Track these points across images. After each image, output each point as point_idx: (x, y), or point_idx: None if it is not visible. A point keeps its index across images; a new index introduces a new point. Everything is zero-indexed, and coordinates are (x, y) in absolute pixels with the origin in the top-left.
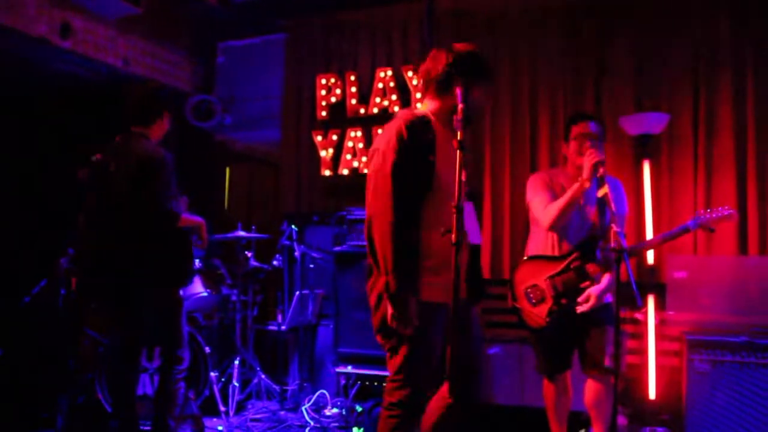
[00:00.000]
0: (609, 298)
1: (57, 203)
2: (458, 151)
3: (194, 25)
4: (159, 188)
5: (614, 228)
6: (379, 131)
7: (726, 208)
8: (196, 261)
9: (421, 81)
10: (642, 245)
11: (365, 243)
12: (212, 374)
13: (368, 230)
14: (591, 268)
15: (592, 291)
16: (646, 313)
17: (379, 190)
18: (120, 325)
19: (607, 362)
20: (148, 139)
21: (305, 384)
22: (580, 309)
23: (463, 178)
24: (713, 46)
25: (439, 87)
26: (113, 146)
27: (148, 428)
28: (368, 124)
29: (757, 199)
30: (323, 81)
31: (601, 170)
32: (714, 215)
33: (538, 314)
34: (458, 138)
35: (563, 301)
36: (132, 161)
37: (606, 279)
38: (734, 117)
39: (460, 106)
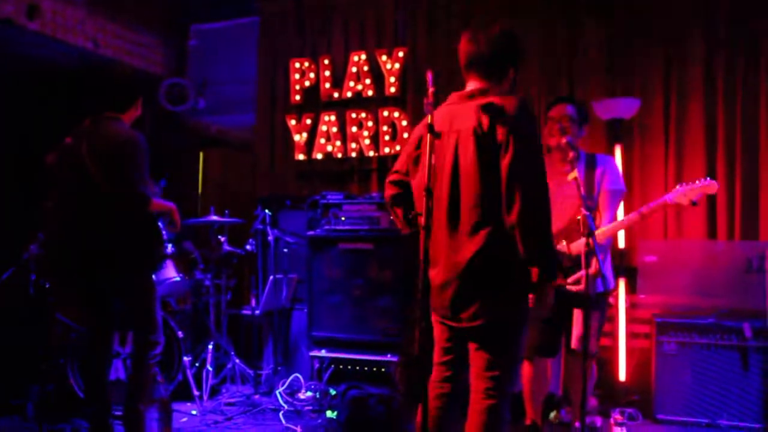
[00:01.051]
0: (600, 287)
1: (25, 188)
2: (429, 135)
3: (166, 8)
4: (130, 172)
5: (583, 212)
6: (355, 115)
7: (705, 179)
8: (168, 246)
9: (464, 64)
10: (621, 223)
11: (528, 230)
12: (186, 359)
13: (531, 216)
14: (573, 248)
15: (583, 273)
16: (616, 297)
17: (542, 175)
18: (90, 311)
19: (575, 345)
20: (121, 122)
21: (279, 368)
22: (570, 287)
23: (434, 162)
24: (684, 31)
25: (489, 69)
26: (85, 129)
27: (120, 413)
28: (342, 108)
29: (726, 185)
30: (297, 65)
31: (570, 154)
32: (694, 186)
33: None
34: (428, 122)
35: None
36: (104, 144)
37: (594, 262)
38: (704, 102)
39: (431, 89)
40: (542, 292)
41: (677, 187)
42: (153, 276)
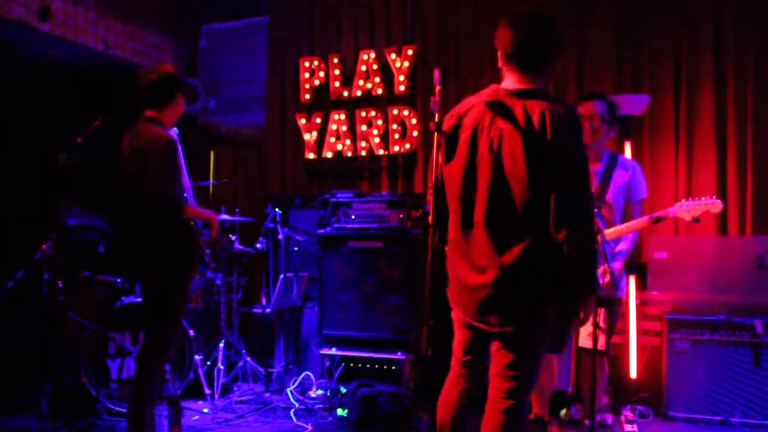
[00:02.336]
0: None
1: (37, 187)
2: (435, 133)
3: (176, 8)
4: (159, 173)
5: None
6: (365, 114)
7: (711, 197)
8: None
9: (504, 53)
10: (631, 225)
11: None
12: (197, 357)
13: (581, 232)
14: None
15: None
16: (627, 294)
17: (590, 190)
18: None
19: (584, 342)
20: (160, 123)
21: (290, 366)
22: None
23: (440, 161)
24: (694, 26)
25: (533, 62)
26: (128, 130)
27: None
28: (352, 106)
29: (737, 180)
30: (306, 64)
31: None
32: (699, 203)
33: None
34: (435, 120)
35: None
36: (140, 146)
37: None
38: (714, 98)
39: (438, 88)
40: (582, 304)
41: (683, 201)
42: (183, 283)
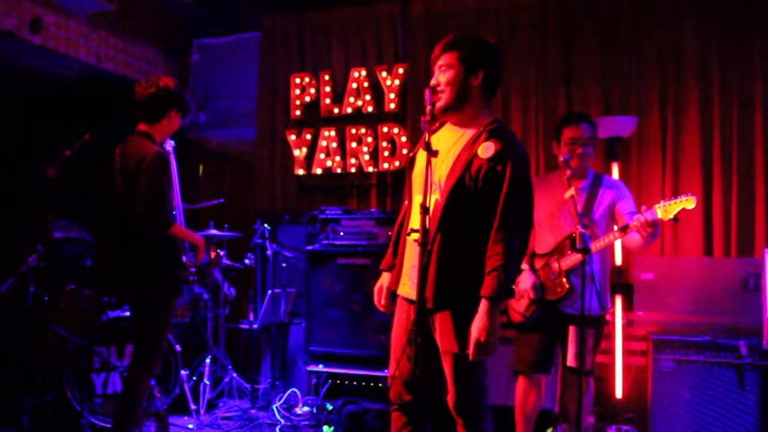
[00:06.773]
0: (597, 310)
1: (25, 199)
2: (426, 152)
3: (168, 23)
4: (146, 191)
5: (579, 229)
6: (355, 131)
7: (686, 194)
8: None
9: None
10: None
11: None
12: (183, 372)
13: None
14: (560, 263)
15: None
16: (613, 314)
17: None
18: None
19: (571, 362)
20: (151, 138)
21: (277, 382)
22: (549, 297)
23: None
24: (680, 48)
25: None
26: (120, 144)
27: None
28: (342, 123)
29: (722, 202)
30: (297, 80)
31: (568, 172)
32: (674, 200)
33: (517, 309)
34: (426, 139)
35: (539, 294)
36: (130, 162)
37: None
38: (701, 120)
39: (428, 107)
40: None
41: (660, 202)
42: (168, 300)
